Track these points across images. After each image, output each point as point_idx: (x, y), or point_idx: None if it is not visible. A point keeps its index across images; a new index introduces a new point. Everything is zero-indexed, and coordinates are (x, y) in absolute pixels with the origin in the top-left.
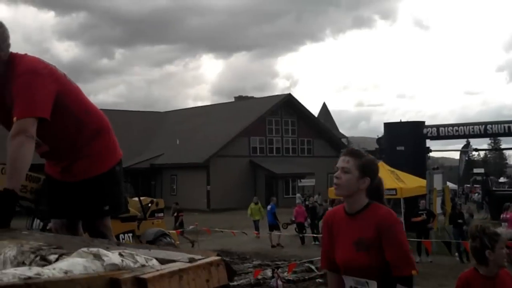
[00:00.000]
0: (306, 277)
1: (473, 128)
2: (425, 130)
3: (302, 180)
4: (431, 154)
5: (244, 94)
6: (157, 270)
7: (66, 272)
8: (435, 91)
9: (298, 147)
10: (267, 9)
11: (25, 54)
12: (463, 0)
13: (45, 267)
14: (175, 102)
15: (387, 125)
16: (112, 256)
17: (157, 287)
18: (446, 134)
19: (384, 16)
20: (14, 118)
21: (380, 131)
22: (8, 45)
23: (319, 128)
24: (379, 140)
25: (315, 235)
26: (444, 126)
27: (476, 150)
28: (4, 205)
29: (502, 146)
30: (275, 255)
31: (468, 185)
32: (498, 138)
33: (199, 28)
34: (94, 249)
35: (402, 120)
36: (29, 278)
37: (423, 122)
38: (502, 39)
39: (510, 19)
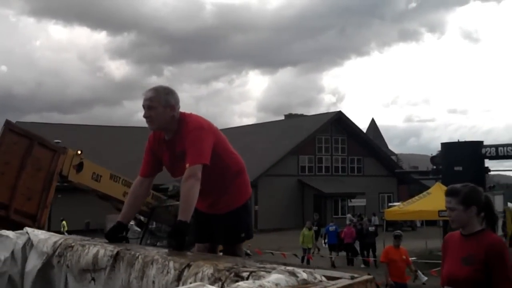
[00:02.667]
0: None
1: None
2: (483, 150)
3: (352, 200)
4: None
5: (289, 110)
6: (333, 285)
7: (276, 285)
8: (488, 105)
9: (347, 166)
10: (311, 24)
11: (191, 113)
12: None
13: (263, 280)
14: (221, 118)
15: (445, 145)
16: (303, 273)
17: None
18: (506, 154)
19: (431, 29)
20: (187, 165)
21: (431, 148)
22: (179, 107)
23: (369, 146)
24: (433, 158)
25: (365, 258)
26: (503, 145)
27: None
28: (180, 233)
29: None
30: None
31: None
32: None
33: (244, 45)
34: (290, 268)
35: (456, 137)
36: (260, 287)
37: (481, 142)
38: None
39: None
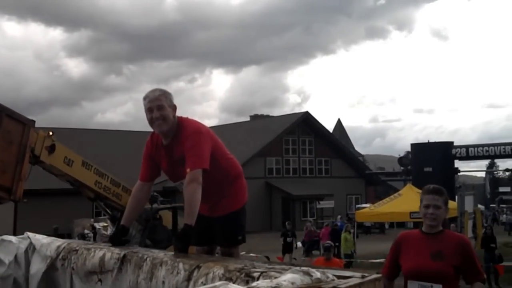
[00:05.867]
0: None
1: (504, 148)
2: (454, 151)
3: (320, 201)
4: None
5: (253, 111)
6: (346, 283)
7: (292, 283)
8: (455, 104)
9: (315, 167)
10: (276, 20)
11: (187, 117)
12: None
13: (279, 279)
14: None
15: (415, 146)
16: (317, 272)
17: None
18: (476, 154)
19: (400, 26)
20: (188, 169)
21: (397, 149)
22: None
23: (337, 147)
24: (401, 159)
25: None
26: (474, 146)
27: (508, 170)
28: (187, 236)
29: None
30: None
31: (494, 205)
32: None
33: (207, 42)
34: (304, 268)
35: (422, 137)
36: (277, 286)
37: (451, 143)
38: None
39: None
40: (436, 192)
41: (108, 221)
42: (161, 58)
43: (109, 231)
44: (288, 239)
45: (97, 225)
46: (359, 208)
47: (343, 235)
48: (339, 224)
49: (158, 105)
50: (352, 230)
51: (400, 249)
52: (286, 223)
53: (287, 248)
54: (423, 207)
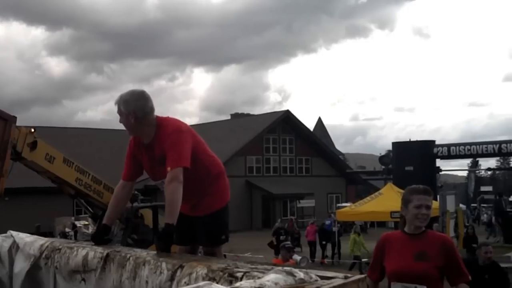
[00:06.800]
0: None
1: (486, 147)
2: (435, 150)
3: (301, 200)
4: None
5: (233, 110)
6: (329, 284)
7: (276, 283)
8: (436, 103)
9: (296, 166)
10: (257, 19)
11: (167, 117)
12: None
13: (263, 280)
14: None
15: (396, 145)
16: (300, 273)
17: None
18: (458, 153)
19: (381, 25)
20: (168, 168)
21: (378, 147)
22: (154, 113)
23: (317, 146)
24: (382, 158)
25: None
26: (455, 145)
27: (490, 169)
28: (168, 236)
29: None
30: None
31: (475, 204)
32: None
33: (188, 41)
34: (287, 268)
35: (403, 136)
36: (260, 286)
37: (433, 141)
38: (508, 46)
39: None
40: (427, 192)
41: (89, 219)
42: (142, 56)
43: (90, 230)
44: (282, 238)
45: (78, 224)
46: (339, 207)
47: (351, 236)
48: (328, 222)
49: (118, 112)
50: (360, 233)
51: (384, 250)
52: (278, 220)
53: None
54: (415, 207)
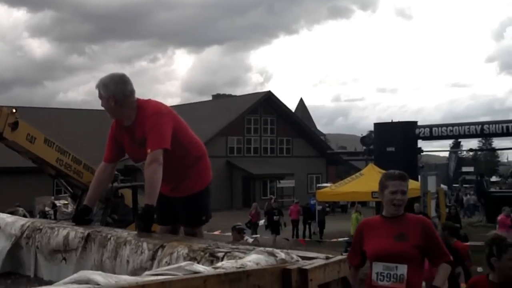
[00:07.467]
0: None
1: (468, 128)
2: (417, 131)
3: (281, 181)
4: None
5: (215, 90)
6: (310, 264)
7: (257, 264)
8: (419, 84)
9: (276, 147)
10: (239, 1)
11: (149, 99)
12: None
13: (244, 260)
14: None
15: (378, 125)
16: (281, 253)
17: (313, 275)
18: (440, 134)
19: (363, 6)
20: (148, 150)
21: (359, 128)
22: (134, 96)
23: (299, 127)
24: (363, 139)
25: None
26: (437, 126)
27: (472, 150)
28: (148, 216)
29: (494, 144)
30: None
31: (457, 185)
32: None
33: (169, 22)
34: (269, 249)
35: (385, 117)
36: (242, 266)
37: (415, 122)
38: (491, 27)
39: (499, 6)
40: (402, 177)
41: (69, 199)
42: (124, 38)
43: (70, 209)
44: (275, 218)
45: (57, 203)
46: (319, 188)
47: (353, 215)
48: (313, 202)
49: (99, 96)
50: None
51: (362, 235)
52: (272, 199)
53: (274, 228)
54: (390, 193)
